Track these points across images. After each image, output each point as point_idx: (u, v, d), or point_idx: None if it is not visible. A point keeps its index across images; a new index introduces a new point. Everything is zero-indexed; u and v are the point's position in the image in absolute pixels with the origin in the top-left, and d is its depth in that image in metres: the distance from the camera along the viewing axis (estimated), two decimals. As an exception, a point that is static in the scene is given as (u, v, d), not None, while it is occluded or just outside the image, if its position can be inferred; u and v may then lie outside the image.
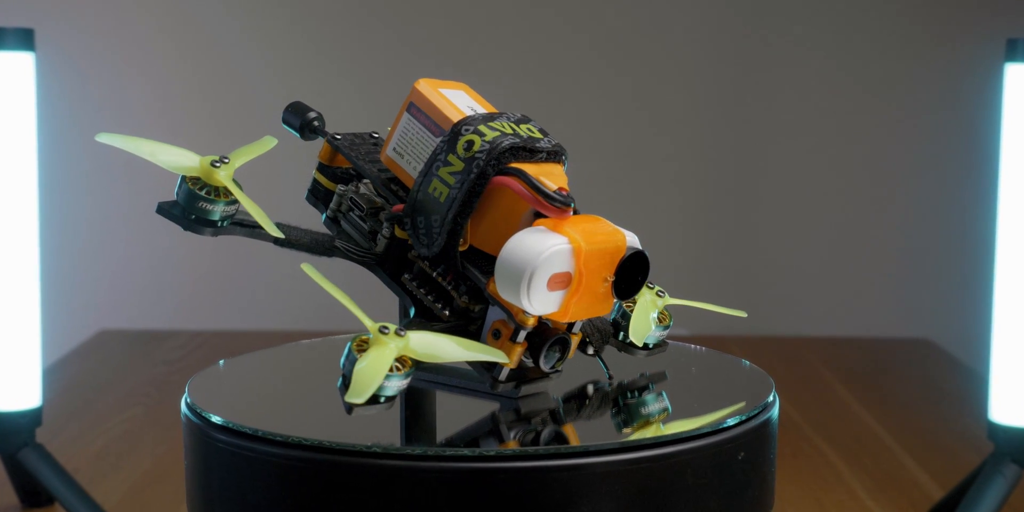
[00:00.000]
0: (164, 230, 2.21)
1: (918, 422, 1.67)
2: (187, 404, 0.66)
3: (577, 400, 0.68)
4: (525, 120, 0.64)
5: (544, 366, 0.64)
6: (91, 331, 2.19)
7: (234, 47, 2.19)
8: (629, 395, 0.69)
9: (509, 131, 0.63)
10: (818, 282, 2.22)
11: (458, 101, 0.66)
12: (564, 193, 0.61)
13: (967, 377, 1.94)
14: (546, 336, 0.64)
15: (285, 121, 0.70)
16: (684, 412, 0.67)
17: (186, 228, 0.65)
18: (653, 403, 0.68)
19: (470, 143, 0.62)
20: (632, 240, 0.61)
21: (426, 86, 0.66)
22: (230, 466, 0.61)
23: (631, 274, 0.62)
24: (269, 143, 0.69)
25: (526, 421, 0.64)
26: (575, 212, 0.62)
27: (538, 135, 0.63)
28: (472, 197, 0.62)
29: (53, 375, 1.89)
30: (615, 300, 0.62)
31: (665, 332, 0.72)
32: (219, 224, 0.66)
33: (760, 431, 0.64)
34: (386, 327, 0.59)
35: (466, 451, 0.58)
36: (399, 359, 0.60)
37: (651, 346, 0.72)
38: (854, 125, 2.20)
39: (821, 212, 2.22)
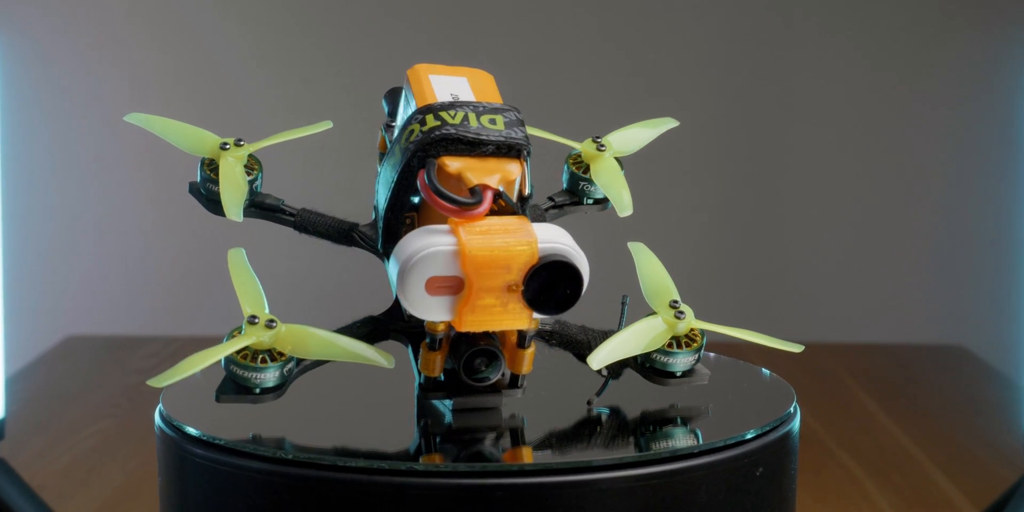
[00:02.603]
0: (137, 228, 2.22)
1: (950, 435, 1.67)
2: (161, 415, 0.66)
3: (589, 426, 0.67)
4: (496, 110, 0.63)
5: (466, 379, 0.64)
6: (58, 337, 2.19)
7: (212, 31, 2.19)
8: (651, 427, 0.67)
9: (456, 121, 0.62)
10: (841, 284, 2.22)
11: (444, 88, 0.65)
12: (484, 191, 0.60)
13: (1003, 386, 1.94)
14: (468, 346, 0.63)
15: (384, 104, 0.72)
16: (698, 424, 0.67)
17: (207, 209, 0.69)
18: (677, 437, 0.66)
19: (410, 133, 0.62)
20: (553, 248, 0.60)
21: (416, 72, 0.66)
22: (208, 482, 0.61)
23: (555, 286, 0.60)
24: (319, 127, 0.71)
25: (458, 435, 0.64)
26: (510, 212, 0.61)
27: (498, 127, 0.62)
28: (401, 191, 0.62)
29: (16, 384, 1.89)
30: (533, 313, 0.60)
31: (692, 357, 0.67)
32: None
33: (780, 445, 0.64)
34: (255, 317, 0.62)
35: (464, 466, 0.58)
36: (271, 351, 0.62)
37: (679, 374, 0.67)
38: (880, 116, 2.20)
39: (844, 209, 2.22)
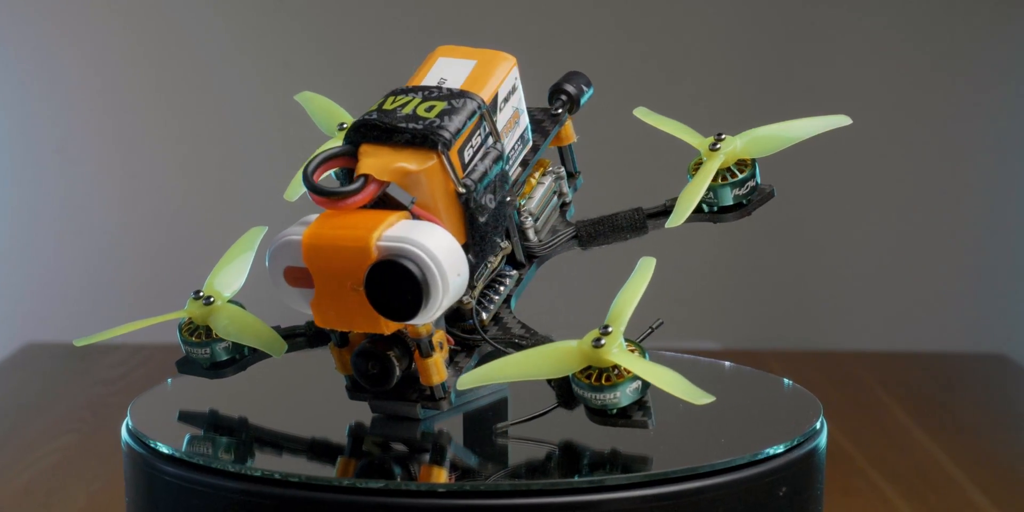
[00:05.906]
0: (101, 228, 2.22)
1: (991, 451, 1.67)
2: (129, 430, 0.66)
3: (539, 465, 0.65)
4: (444, 98, 0.64)
5: (360, 381, 0.64)
6: (15, 344, 2.19)
7: (184, 10, 2.19)
8: (657, 445, 0.65)
9: (391, 107, 0.63)
10: (873, 288, 2.22)
11: (438, 72, 0.66)
12: (369, 182, 0.61)
13: (1049, 399, 1.95)
14: (359, 347, 0.64)
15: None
16: (715, 440, 0.67)
17: None
18: (694, 455, 0.64)
19: None
20: (398, 247, 0.59)
21: (432, 54, 0.67)
22: (179, 503, 0.62)
23: (399, 290, 0.59)
24: None
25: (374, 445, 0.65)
26: (401, 206, 0.62)
27: (429, 116, 0.63)
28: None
29: (-29, 396, 1.90)
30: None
31: (615, 393, 0.61)
32: None
33: (805, 463, 0.64)
34: (199, 292, 0.69)
35: (460, 486, 0.58)
36: (209, 328, 0.68)
37: (612, 411, 0.62)
38: (917, 109, 2.20)
39: (876, 208, 2.22)
